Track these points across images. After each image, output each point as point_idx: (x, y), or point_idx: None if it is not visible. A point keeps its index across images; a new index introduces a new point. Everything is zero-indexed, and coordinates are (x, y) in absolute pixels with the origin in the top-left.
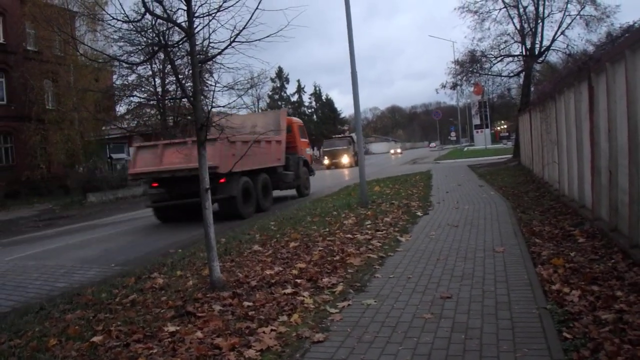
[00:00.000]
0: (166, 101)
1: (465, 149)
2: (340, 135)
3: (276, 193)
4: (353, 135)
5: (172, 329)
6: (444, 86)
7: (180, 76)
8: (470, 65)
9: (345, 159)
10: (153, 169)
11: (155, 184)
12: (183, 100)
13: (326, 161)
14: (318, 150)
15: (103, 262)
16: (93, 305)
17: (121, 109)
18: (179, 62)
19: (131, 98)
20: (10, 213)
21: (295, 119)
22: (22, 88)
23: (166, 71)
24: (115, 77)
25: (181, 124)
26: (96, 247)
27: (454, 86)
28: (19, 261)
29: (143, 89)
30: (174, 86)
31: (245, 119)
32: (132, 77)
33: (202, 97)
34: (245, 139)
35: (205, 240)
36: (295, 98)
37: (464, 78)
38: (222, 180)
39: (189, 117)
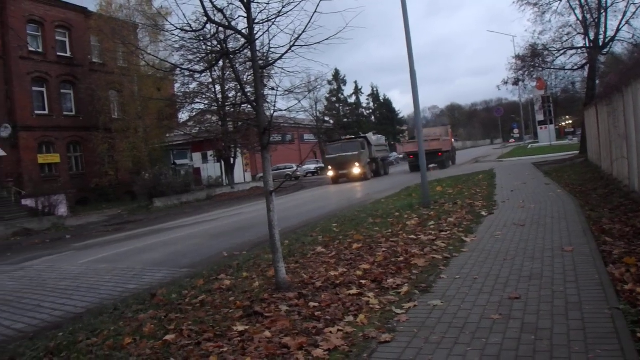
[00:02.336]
0: (227, 107)
1: (529, 146)
2: (348, 137)
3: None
4: (369, 135)
5: (241, 328)
6: (505, 82)
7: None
8: (532, 59)
9: (356, 169)
10: (415, 149)
11: (412, 157)
12: (243, 105)
13: (330, 173)
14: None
15: (171, 265)
16: (164, 306)
17: (183, 116)
18: (238, 68)
19: (193, 105)
20: (82, 218)
21: (450, 130)
22: (89, 99)
23: (225, 78)
24: (177, 85)
25: (241, 129)
26: (163, 250)
27: (516, 82)
28: (91, 264)
29: (204, 96)
30: (233, 92)
31: (431, 130)
32: (193, 85)
33: (263, 101)
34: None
35: (270, 242)
36: (352, 100)
37: (526, 73)
38: (439, 154)
39: (248, 122)
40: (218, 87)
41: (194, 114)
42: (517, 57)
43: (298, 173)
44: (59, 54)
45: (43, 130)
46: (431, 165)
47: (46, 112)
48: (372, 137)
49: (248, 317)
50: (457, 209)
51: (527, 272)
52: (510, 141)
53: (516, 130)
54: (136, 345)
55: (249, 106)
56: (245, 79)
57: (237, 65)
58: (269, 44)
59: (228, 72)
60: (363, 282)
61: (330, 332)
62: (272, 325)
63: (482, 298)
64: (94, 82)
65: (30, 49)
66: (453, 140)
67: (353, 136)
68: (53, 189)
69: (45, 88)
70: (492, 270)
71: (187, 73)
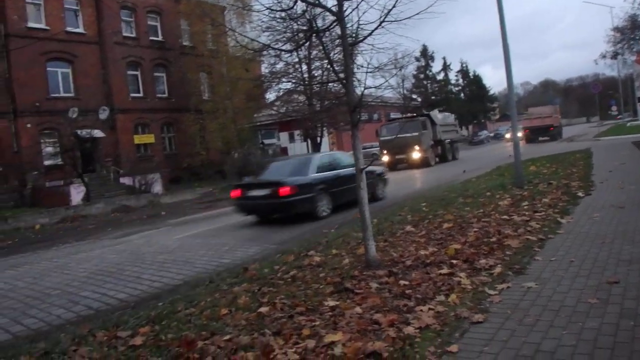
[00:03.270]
0: (313, 86)
1: (628, 124)
2: (407, 115)
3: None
4: (434, 113)
5: (332, 303)
6: (603, 56)
7: (326, 60)
8: (632, 32)
9: (415, 154)
10: (532, 124)
11: (526, 131)
12: (330, 84)
13: (385, 158)
14: (467, 130)
15: (261, 241)
16: (257, 280)
17: (270, 96)
18: (327, 46)
19: (279, 85)
20: (175, 196)
21: (559, 108)
22: (180, 81)
23: (312, 57)
24: (263, 66)
25: (328, 108)
26: (254, 226)
27: (614, 56)
28: (186, 239)
29: (290, 76)
30: (320, 71)
31: (543, 108)
32: (280, 65)
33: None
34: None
35: (360, 220)
36: (440, 76)
37: (625, 46)
38: (551, 129)
39: (335, 102)
40: (304, 67)
41: (281, 93)
42: (616, 29)
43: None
44: (151, 38)
45: (138, 112)
46: (542, 138)
47: (141, 94)
48: (437, 115)
49: (338, 293)
50: (552, 189)
51: (626, 255)
52: (617, 118)
53: (614, 108)
54: (232, 316)
55: (336, 85)
56: (332, 57)
57: (325, 44)
58: (358, 20)
59: (315, 51)
60: (454, 262)
61: (421, 310)
62: (362, 302)
63: (578, 281)
64: (184, 65)
65: (124, 34)
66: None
67: (413, 114)
68: (148, 168)
69: (139, 72)
70: (590, 253)
71: (274, 53)
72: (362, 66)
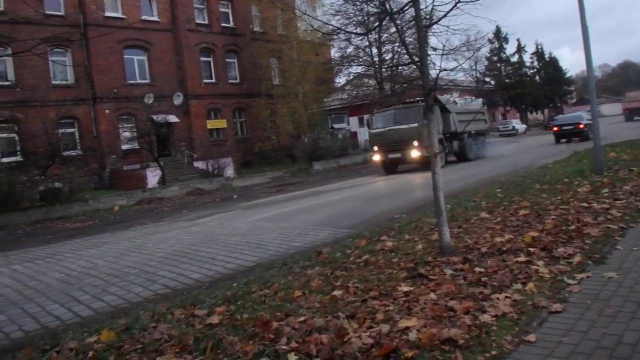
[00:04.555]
0: (384, 70)
1: None
2: (407, 102)
3: None
4: (447, 98)
5: (405, 289)
6: None
7: (397, 43)
8: None
9: (413, 152)
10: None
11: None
12: (400, 68)
13: (376, 157)
14: (542, 115)
15: (332, 225)
16: (329, 263)
17: (340, 80)
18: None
19: (349, 69)
20: (246, 180)
21: None
22: (251, 67)
23: (382, 40)
24: (333, 50)
25: (398, 92)
26: (323, 211)
27: None
28: (258, 222)
29: (360, 60)
30: (390, 55)
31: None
32: (350, 49)
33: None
34: None
35: (434, 205)
36: (514, 59)
37: None
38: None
39: (405, 85)
40: (375, 50)
41: (351, 77)
42: None
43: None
44: (222, 24)
45: (211, 98)
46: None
47: (213, 80)
48: (454, 100)
49: (412, 278)
50: (634, 176)
51: None
52: None
53: None
54: (305, 298)
55: (407, 68)
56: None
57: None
58: (433, 1)
59: (385, 35)
60: (531, 249)
61: (498, 298)
62: (436, 288)
63: None
64: (255, 51)
65: (197, 21)
66: None
67: (412, 100)
68: (221, 152)
69: (211, 58)
70: None
71: (344, 37)
72: (436, 48)
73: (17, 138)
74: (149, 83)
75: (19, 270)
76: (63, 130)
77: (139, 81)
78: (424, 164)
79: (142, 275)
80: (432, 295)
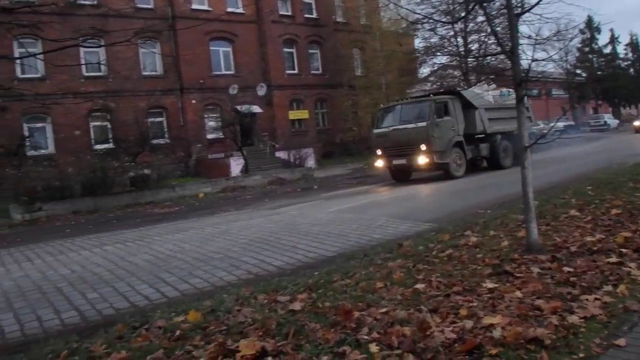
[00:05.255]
0: (470, 60)
1: None
2: (415, 97)
3: None
4: (472, 90)
5: (490, 285)
6: None
7: (484, 33)
8: None
9: (421, 158)
10: None
11: None
12: (486, 58)
13: (379, 162)
14: (635, 109)
15: (413, 218)
16: (411, 256)
17: (424, 71)
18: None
19: (434, 60)
20: (327, 171)
21: None
22: (333, 58)
23: (468, 30)
24: (416, 41)
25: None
26: (403, 204)
27: None
28: (338, 213)
29: (445, 50)
30: (476, 45)
31: None
32: (434, 39)
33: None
34: None
35: (523, 200)
36: (607, 50)
37: None
38: None
39: (492, 76)
40: (460, 40)
41: (435, 68)
42: None
43: (544, 131)
44: (305, 16)
45: (293, 89)
46: None
47: (296, 71)
48: (480, 92)
49: (497, 275)
50: None
51: None
52: None
53: None
54: (387, 290)
55: (493, 59)
56: (489, 30)
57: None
58: None
59: (471, 24)
60: (623, 250)
61: (587, 299)
62: (522, 286)
63: None
64: (338, 41)
65: (280, 12)
66: None
67: (420, 96)
68: (302, 142)
69: (294, 49)
70: None
71: (428, 27)
72: (529, 36)
73: (109, 126)
74: (233, 74)
75: (111, 251)
76: (152, 119)
77: (224, 72)
78: (434, 169)
79: (226, 260)
80: (518, 293)
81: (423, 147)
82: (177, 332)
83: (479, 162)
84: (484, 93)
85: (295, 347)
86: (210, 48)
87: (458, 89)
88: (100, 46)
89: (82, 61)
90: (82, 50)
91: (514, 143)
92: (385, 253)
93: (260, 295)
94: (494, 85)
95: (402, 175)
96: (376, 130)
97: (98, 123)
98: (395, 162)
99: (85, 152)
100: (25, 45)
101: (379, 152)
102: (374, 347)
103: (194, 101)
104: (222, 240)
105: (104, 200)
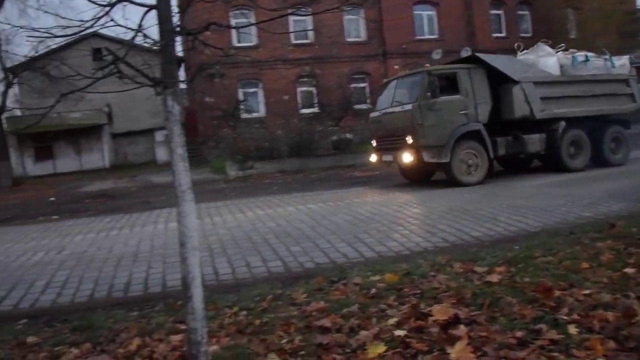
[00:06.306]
0: None
1: None
2: (404, 73)
3: None
4: (527, 55)
5: None
6: None
7: None
8: None
9: (405, 154)
10: None
11: None
12: None
13: (373, 157)
14: None
15: (629, 198)
16: (623, 238)
17: None
18: None
19: None
20: None
21: None
22: (544, 19)
23: None
24: None
25: None
26: (619, 181)
27: None
28: (545, 187)
29: None
30: None
31: None
32: None
33: None
34: None
35: None
36: None
37: None
38: None
39: None
40: None
41: None
42: None
43: None
44: None
45: (500, 53)
46: None
47: (503, 34)
48: (531, 58)
49: None
50: None
51: None
52: None
53: None
54: (593, 271)
55: None
56: None
57: None
58: None
59: None
60: None
61: None
62: None
63: None
64: (550, 1)
65: None
66: None
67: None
68: None
69: (502, 11)
70: None
71: None
72: None
73: (314, 91)
74: (437, 38)
75: (314, 210)
76: (355, 84)
77: (427, 36)
78: (422, 175)
79: (423, 226)
80: None
81: (409, 139)
82: (373, 290)
83: (526, 159)
84: (536, 59)
85: (488, 319)
86: (414, 12)
87: (479, 54)
88: (311, 14)
89: (291, 29)
90: (290, 19)
91: (598, 133)
92: (594, 232)
93: (457, 263)
94: (563, 46)
95: (415, 174)
96: (371, 114)
97: (304, 88)
98: (385, 157)
99: (292, 116)
100: (238, 16)
101: (373, 142)
102: (572, 329)
103: (396, 66)
104: (421, 207)
105: (308, 162)
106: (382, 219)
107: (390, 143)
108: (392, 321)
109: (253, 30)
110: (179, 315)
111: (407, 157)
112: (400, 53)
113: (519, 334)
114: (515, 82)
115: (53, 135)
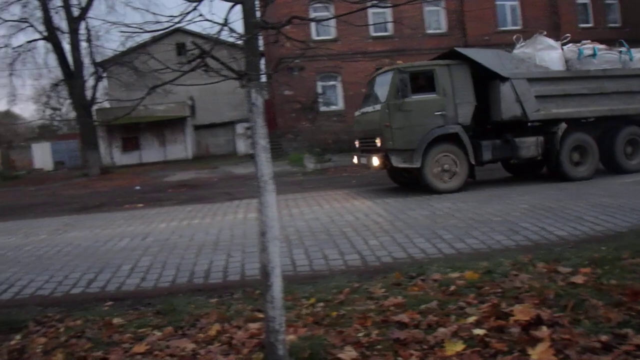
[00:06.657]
0: None
1: None
2: (382, 70)
3: None
4: (523, 49)
5: None
6: None
7: None
8: None
9: (374, 159)
10: None
11: None
12: None
13: (355, 159)
14: None
15: None
16: None
17: None
18: None
19: None
20: None
21: None
22: (636, 8)
23: None
24: None
25: None
26: None
27: None
28: (632, 185)
29: None
30: None
31: None
32: None
33: None
34: None
35: None
36: None
37: None
38: None
39: None
40: None
41: None
42: None
43: None
44: None
45: (589, 44)
46: None
47: (591, 25)
48: (527, 51)
49: None
50: None
51: None
52: None
53: None
54: None
55: None
56: None
57: None
58: None
59: None
60: None
61: None
62: None
63: None
64: None
65: None
66: None
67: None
68: None
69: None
70: None
71: None
72: None
73: None
74: (520, 29)
75: (391, 204)
76: None
77: (510, 27)
78: (394, 178)
79: (504, 224)
80: None
81: (377, 141)
82: (452, 287)
83: (536, 165)
84: (533, 53)
85: (572, 321)
86: (497, 3)
87: (460, 49)
88: (392, 6)
89: (370, 22)
90: (370, 11)
91: (610, 136)
92: None
93: (540, 263)
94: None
95: (401, 178)
96: (355, 113)
97: None
98: (361, 159)
99: None
100: (317, 10)
101: (356, 143)
102: None
103: None
104: (501, 203)
105: None
106: (462, 215)
107: (367, 145)
108: (471, 319)
109: (332, 23)
110: (257, 303)
111: (376, 161)
112: (482, 44)
113: (604, 337)
114: (504, 79)
115: (140, 127)
